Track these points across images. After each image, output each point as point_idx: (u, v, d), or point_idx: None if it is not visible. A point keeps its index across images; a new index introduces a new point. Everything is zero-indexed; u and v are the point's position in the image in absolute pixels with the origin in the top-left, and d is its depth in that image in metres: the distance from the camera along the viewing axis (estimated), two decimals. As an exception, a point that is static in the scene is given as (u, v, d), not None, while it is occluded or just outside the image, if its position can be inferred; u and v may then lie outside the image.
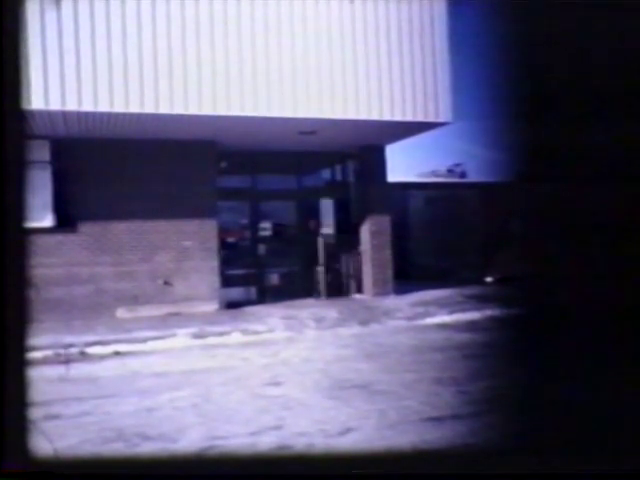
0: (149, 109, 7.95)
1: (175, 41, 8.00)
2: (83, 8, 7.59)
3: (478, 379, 5.26)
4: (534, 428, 2.67)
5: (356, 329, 8.32)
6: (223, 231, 10.47)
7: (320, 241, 11.27)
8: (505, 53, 2.59)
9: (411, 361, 6.30)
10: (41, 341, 7.05)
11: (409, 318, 8.95)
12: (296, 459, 3.68)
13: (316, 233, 11.49)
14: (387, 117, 9.01)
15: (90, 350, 7.21)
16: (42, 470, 2.77)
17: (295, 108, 8.52)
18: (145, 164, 9.55)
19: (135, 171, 9.51)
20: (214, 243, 10.05)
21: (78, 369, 6.41)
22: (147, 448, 3.93)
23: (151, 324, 8.67)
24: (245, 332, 8.07)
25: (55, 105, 7.55)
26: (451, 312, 9.28)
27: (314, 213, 11.80)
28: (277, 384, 5.51)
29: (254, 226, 11.33)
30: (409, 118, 9.14)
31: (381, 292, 11.16)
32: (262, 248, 11.32)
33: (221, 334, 7.94)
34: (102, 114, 7.94)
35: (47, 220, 8.94)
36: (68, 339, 7.60)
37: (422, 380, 5.47)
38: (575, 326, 2.66)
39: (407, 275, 12.70)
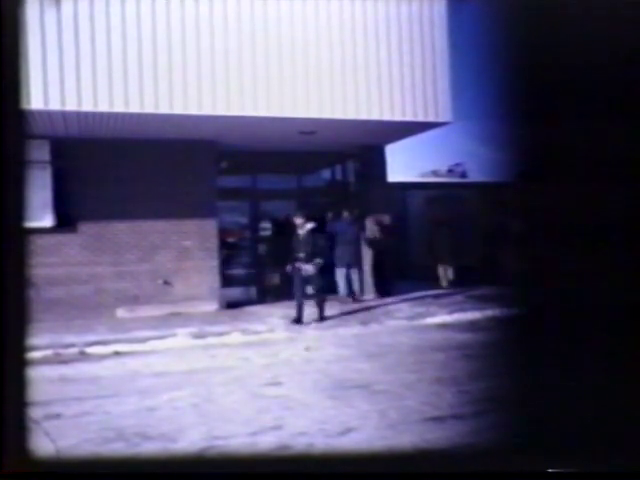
0: (149, 109, 7.94)
1: (175, 41, 7.99)
2: (83, 8, 7.58)
3: (479, 379, 5.26)
4: (534, 427, 2.67)
5: (356, 329, 8.32)
6: (223, 231, 10.46)
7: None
8: (505, 52, 2.59)
9: (412, 361, 6.30)
10: (41, 341, 7.06)
11: (409, 318, 8.95)
12: (296, 459, 3.68)
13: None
14: (387, 117, 8.99)
15: (90, 350, 7.21)
16: (42, 470, 2.77)
17: (295, 108, 8.51)
18: (145, 164, 9.55)
19: (135, 171, 9.51)
20: (214, 243, 10.05)
21: (78, 369, 6.41)
22: (147, 448, 3.93)
23: (151, 324, 8.67)
24: (245, 332, 8.07)
25: (55, 105, 7.55)
26: (451, 312, 9.28)
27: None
28: (277, 384, 5.51)
29: (254, 226, 11.33)
30: (409, 118, 9.13)
31: (381, 292, 11.15)
32: (262, 248, 11.31)
33: (221, 334, 7.94)
34: (102, 114, 7.94)
35: (47, 220, 8.94)
36: (68, 339, 7.60)
37: (423, 380, 5.47)
38: (575, 325, 2.65)
39: (407, 275, 12.69)
